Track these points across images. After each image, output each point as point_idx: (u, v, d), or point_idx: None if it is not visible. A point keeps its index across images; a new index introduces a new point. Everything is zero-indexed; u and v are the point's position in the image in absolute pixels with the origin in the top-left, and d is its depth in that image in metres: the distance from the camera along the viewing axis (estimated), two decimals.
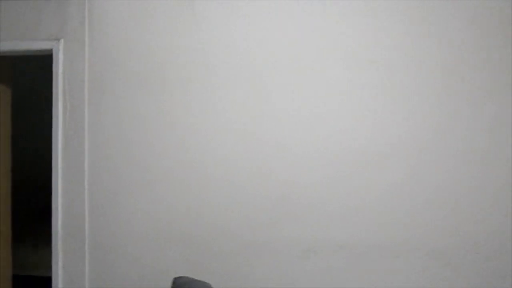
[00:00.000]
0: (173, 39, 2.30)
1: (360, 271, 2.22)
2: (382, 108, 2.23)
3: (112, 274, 2.35)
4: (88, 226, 2.37)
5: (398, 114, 2.22)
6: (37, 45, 2.41)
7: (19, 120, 3.01)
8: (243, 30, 2.27)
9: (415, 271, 2.21)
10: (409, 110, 2.22)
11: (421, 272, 2.20)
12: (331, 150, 2.23)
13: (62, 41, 2.36)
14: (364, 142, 2.23)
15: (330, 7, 2.24)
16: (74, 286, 2.34)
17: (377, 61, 2.22)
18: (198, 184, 2.31)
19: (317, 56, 2.25)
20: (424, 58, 2.22)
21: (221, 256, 2.30)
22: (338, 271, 2.23)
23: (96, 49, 2.33)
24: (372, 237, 2.22)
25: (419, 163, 2.21)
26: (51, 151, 2.37)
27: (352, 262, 2.22)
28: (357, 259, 2.23)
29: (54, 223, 2.35)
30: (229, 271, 2.28)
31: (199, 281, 1.76)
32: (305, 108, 2.24)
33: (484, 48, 2.20)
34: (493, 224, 2.18)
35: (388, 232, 2.18)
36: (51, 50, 2.38)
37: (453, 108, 2.21)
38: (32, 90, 3.70)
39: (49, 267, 2.39)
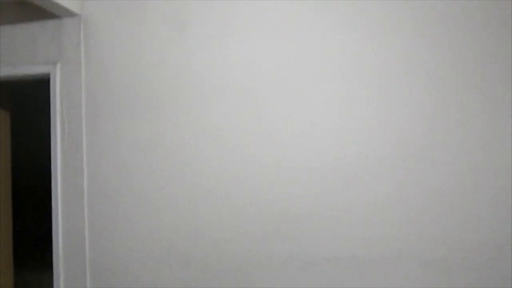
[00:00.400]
0: (167, 60, 2.33)
1: (359, 282, 2.22)
2: (375, 120, 2.25)
3: None
4: (89, 248, 2.38)
5: (391, 126, 2.24)
6: (35, 69, 2.45)
7: (18, 144, 3.03)
8: (236, 49, 2.30)
9: (413, 280, 2.21)
10: (402, 122, 2.24)
11: (419, 281, 2.20)
12: (326, 164, 2.24)
13: (58, 65, 2.40)
14: (358, 154, 2.24)
15: (322, 20, 2.27)
16: None
17: (368, 74, 2.25)
18: (195, 203, 2.32)
19: (309, 71, 2.27)
20: (417, 68, 2.24)
21: (220, 273, 2.31)
22: (337, 283, 2.23)
23: (92, 72, 2.37)
24: (370, 248, 2.23)
25: (413, 174, 2.23)
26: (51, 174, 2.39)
27: (351, 273, 2.22)
28: (355, 271, 2.23)
29: (55, 247, 2.36)
30: None
31: None
32: (299, 123, 2.25)
33: (481, 52, 2.22)
34: (490, 231, 2.19)
35: (385, 242, 2.18)
36: (48, 74, 2.42)
37: (446, 118, 2.23)
38: (31, 114, 3.74)
39: None
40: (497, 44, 2.22)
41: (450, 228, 2.21)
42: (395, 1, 2.24)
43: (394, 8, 2.24)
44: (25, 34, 2.45)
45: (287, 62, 2.28)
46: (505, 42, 2.22)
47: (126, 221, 2.36)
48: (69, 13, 2.33)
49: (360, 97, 2.24)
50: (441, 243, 2.21)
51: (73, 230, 2.36)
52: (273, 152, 2.28)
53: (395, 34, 2.25)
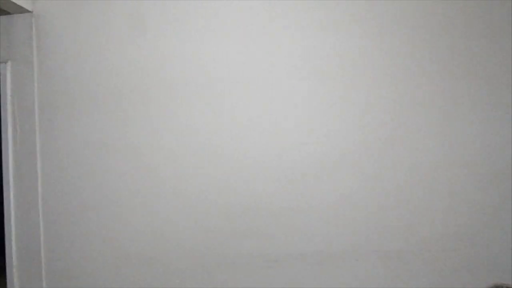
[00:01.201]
0: (125, 57, 2.27)
1: (323, 277, 2.27)
2: (337, 118, 2.28)
3: None
4: (44, 251, 2.30)
5: (353, 124, 2.28)
6: None
7: None
8: (198, 45, 2.27)
9: (375, 272, 2.27)
10: (363, 120, 2.29)
11: (380, 272, 2.27)
12: (289, 161, 2.26)
13: (9, 63, 2.30)
14: (321, 151, 2.28)
15: (285, 18, 2.28)
16: None
17: (331, 72, 2.27)
18: (158, 201, 2.28)
19: (271, 69, 2.28)
20: (377, 65, 2.28)
21: (183, 273, 2.29)
22: (301, 278, 2.26)
23: (46, 70, 2.28)
24: (333, 243, 2.27)
25: (373, 170, 2.29)
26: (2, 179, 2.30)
27: (315, 268, 2.26)
28: (319, 266, 2.26)
29: (8, 251, 2.27)
30: None
31: None
32: (264, 120, 2.25)
33: (439, 50, 2.28)
34: (446, 223, 2.28)
35: (347, 237, 2.23)
36: None
37: (405, 116, 2.29)
38: None
39: None
40: (456, 42, 2.29)
41: (408, 221, 2.28)
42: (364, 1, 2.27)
43: (361, 8, 2.27)
44: None
45: (250, 60, 2.28)
46: (463, 40, 2.29)
47: (84, 223, 2.29)
48: (20, 9, 2.24)
49: (324, 95, 2.27)
50: (400, 236, 2.28)
51: (27, 233, 2.27)
52: (237, 149, 2.27)
53: (358, 34, 2.28)
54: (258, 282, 2.24)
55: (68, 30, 2.28)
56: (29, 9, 2.27)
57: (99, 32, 2.28)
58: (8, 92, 2.28)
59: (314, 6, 2.26)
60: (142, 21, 2.27)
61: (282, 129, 2.27)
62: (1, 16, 2.30)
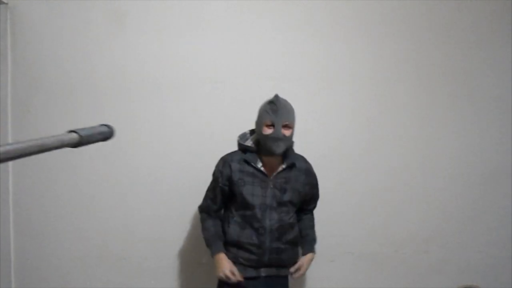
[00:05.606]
0: (102, 52, 2.22)
1: None
2: (315, 120, 2.31)
3: None
4: (14, 252, 2.23)
5: (330, 127, 2.33)
6: None
7: None
8: (176, 44, 2.26)
9: (349, 272, 2.31)
10: (341, 123, 2.33)
11: (354, 273, 2.31)
12: None
13: None
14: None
15: (263, 20, 2.30)
16: None
17: (309, 74, 2.31)
18: (131, 201, 2.26)
19: (251, 71, 2.30)
20: (356, 69, 2.32)
21: (157, 273, 2.27)
22: None
23: (20, 64, 2.20)
24: None
25: (349, 173, 2.35)
26: None
27: None
28: None
29: None
30: None
31: None
32: (237, 122, 2.24)
33: (422, 53, 2.33)
34: (418, 225, 2.35)
35: (323, 238, 2.24)
36: None
37: (381, 121, 2.33)
38: None
39: None
40: (418, 47, 2.35)
41: (382, 224, 2.33)
42: (334, 2, 2.29)
43: (333, 10, 2.30)
44: None
45: (225, 59, 2.28)
46: (429, 46, 2.35)
47: (55, 221, 2.23)
48: None
49: (302, 97, 2.29)
50: (374, 238, 2.33)
51: None
52: (212, 148, 2.25)
53: (337, 35, 2.31)
54: None
55: (45, 24, 2.21)
56: (4, 0, 2.20)
57: (77, 27, 2.22)
58: None
59: (293, 7, 2.28)
60: (121, 18, 2.23)
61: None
62: None
